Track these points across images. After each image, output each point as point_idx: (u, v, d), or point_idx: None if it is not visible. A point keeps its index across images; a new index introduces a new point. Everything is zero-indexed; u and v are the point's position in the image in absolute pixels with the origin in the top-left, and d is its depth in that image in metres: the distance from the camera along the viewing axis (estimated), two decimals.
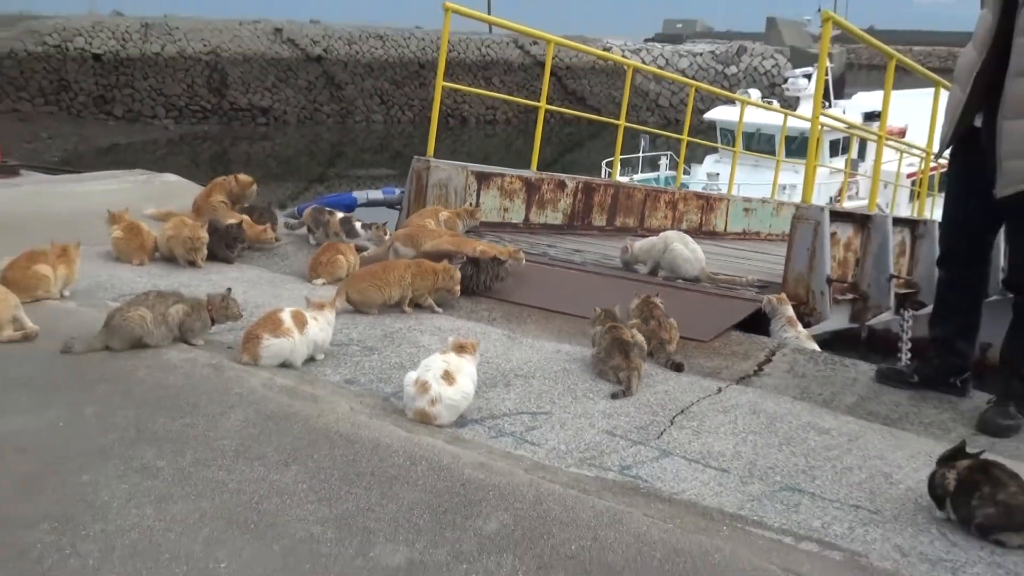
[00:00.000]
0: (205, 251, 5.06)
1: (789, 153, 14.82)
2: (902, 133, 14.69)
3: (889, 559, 2.43)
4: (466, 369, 3.15)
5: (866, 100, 21.51)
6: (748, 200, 10.49)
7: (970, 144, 3.48)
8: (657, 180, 17.89)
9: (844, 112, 19.28)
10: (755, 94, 22.26)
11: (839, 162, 17.14)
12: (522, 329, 4.30)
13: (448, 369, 3.09)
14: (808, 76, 22.85)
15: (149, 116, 31.19)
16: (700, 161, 19.29)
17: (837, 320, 5.28)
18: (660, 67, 35.34)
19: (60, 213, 6.01)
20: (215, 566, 2.18)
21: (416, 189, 6.43)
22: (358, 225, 5.66)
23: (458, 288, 4.51)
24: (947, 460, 2.69)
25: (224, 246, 5.18)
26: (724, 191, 11.58)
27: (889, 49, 6.31)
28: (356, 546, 2.29)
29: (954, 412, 3.56)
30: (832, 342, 5.22)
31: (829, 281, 4.90)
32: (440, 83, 6.61)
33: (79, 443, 2.76)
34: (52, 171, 8.65)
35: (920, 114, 8.87)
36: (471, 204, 6.38)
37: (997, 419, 3.37)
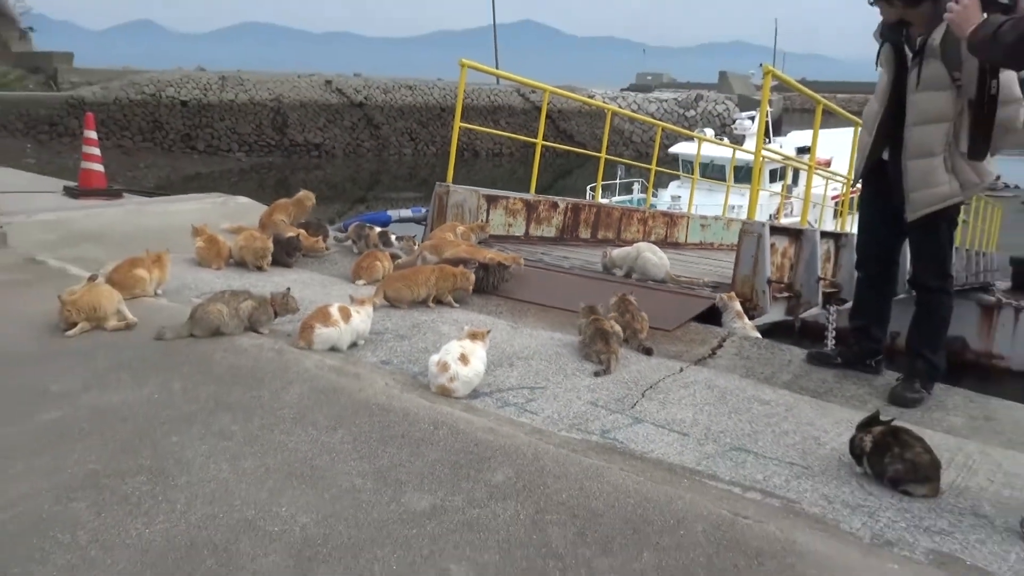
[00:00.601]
0: (270, 258, 5.07)
1: (737, 180, 14.80)
2: (828, 163, 14.63)
3: (817, 505, 2.43)
4: (478, 352, 3.16)
5: (799, 137, 21.45)
6: (704, 217, 10.47)
7: (878, 174, 3.51)
8: (631, 201, 17.86)
9: (781, 147, 19.24)
10: (710, 132, 22.25)
11: (777, 187, 17.12)
12: (523, 321, 4.30)
13: (464, 352, 3.10)
14: (752, 118, 22.79)
15: (225, 150, 31.19)
16: (665, 186, 19.22)
17: (775, 313, 5.27)
18: (634, 111, 35.29)
19: (154, 228, 6.02)
20: (277, 510, 2.18)
21: (438, 208, 6.43)
22: (393, 238, 5.69)
23: (471, 287, 4.51)
24: (864, 426, 2.69)
25: (284, 254, 5.18)
26: (685, 210, 11.55)
27: (817, 96, 6.30)
28: (390, 494, 2.29)
29: (870, 387, 3.55)
30: (771, 331, 5.21)
31: (769, 282, 4.89)
32: (457, 124, 6.62)
33: (169, 412, 2.77)
34: (148, 194, 8.64)
35: (842, 148, 8.85)
36: (482, 220, 6.38)
37: (905, 393, 3.37)
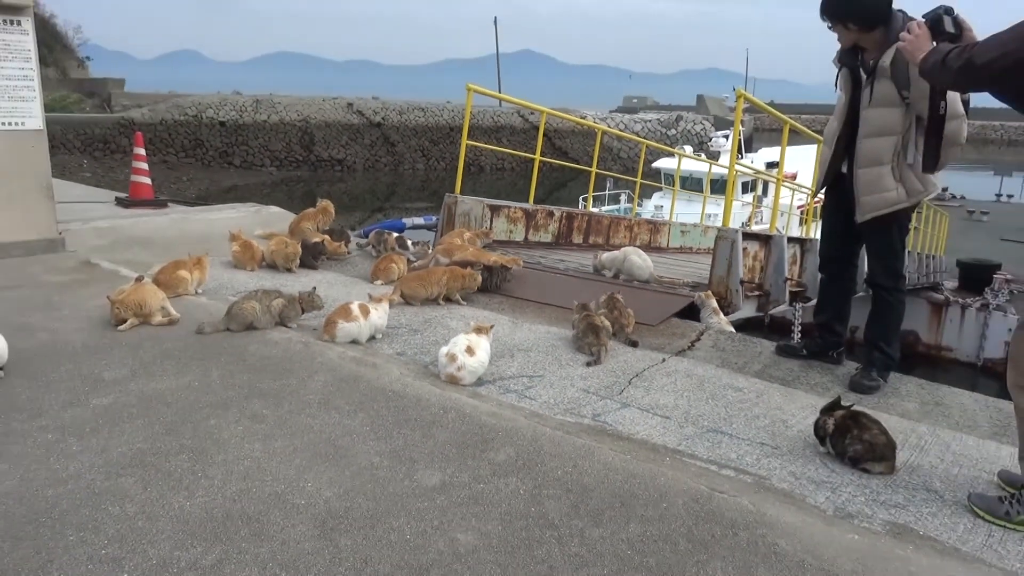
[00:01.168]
0: (298, 261, 5.06)
1: (713, 191, 14.75)
2: (794, 177, 14.60)
3: (786, 481, 2.42)
4: (483, 345, 3.15)
5: (768, 153, 21.43)
6: (684, 225, 10.45)
7: (838, 185, 3.50)
8: (619, 210, 17.82)
9: (752, 162, 19.22)
10: (689, 149, 22.20)
11: (749, 198, 17.07)
12: (523, 316, 4.29)
13: (470, 345, 3.09)
14: (726, 136, 22.77)
15: (259, 165, 31.17)
16: (649, 197, 19.19)
17: (747, 310, 5.26)
18: (621, 130, 35.22)
19: (195, 234, 6.02)
20: (304, 485, 2.17)
21: (447, 217, 6.42)
22: (409, 243, 5.70)
23: (477, 287, 4.51)
24: (827, 410, 2.67)
25: (311, 257, 5.17)
26: (667, 218, 11.53)
27: (785, 117, 6.28)
28: (404, 471, 2.28)
29: (832, 376, 3.54)
30: (744, 326, 5.20)
31: (742, 282, 4.88)
32: (464, 141, 6.60)
33: (207, 398, 2.76)
34: (190, 204, 8.63)
35: (807, 163, 8.84)
36: (486, 227, 6.36)
37: (863, 381, 3.35)
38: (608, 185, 19.54)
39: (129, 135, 25.31)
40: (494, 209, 6.70)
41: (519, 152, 10.22)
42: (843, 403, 2.68)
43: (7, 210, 4.80)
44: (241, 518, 1.99)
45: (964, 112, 3.02)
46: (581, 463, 2.38)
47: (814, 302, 4.24)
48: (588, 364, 3.44)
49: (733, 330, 4.39)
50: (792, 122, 6.35)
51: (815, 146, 7.07)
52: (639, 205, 15.73)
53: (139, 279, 3.77)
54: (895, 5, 3.14)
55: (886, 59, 3.10)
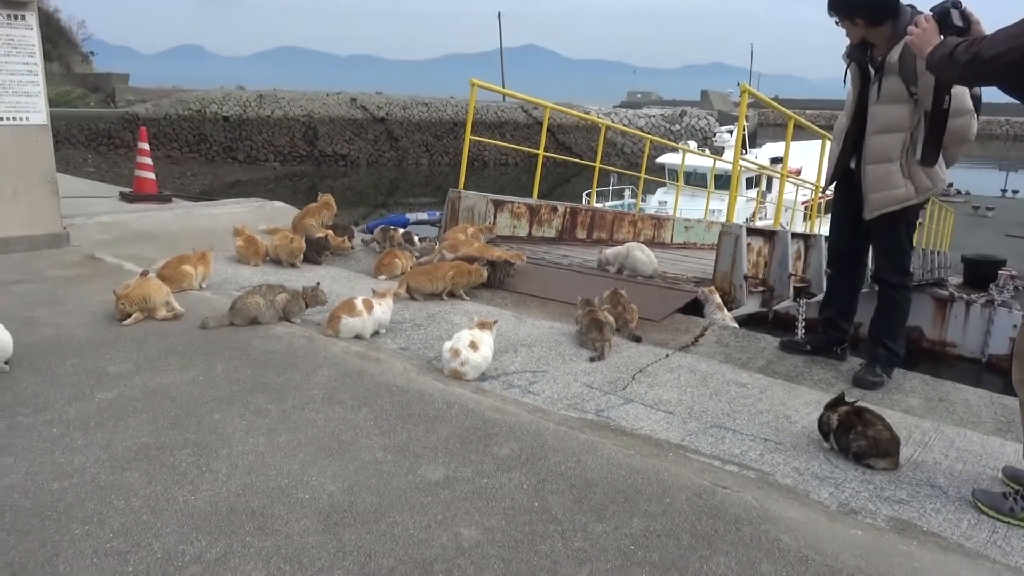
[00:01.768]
0: (302, 256, 5.06)
1: (717, 187, 14.68)
2: (798, 172, 14.55)
3: (789, 477, 2.42)
4: (486, 340, 3.14)
5: (772, 149, 21.32)
6: (688, 220, 10.43)
7: (847, 181, 3.47)
8: (622, 206, 17.77)
9: (756, 157, 19.08)
10: (693, 145, 22.14)
11: (753, 193, 17.03)
12: (526, 312, 4.29)
13: (473, 340, 3.08)
14: (731, 131, 22.70)
15: (262, 160, 31.18)
16: (653, 192, 19.16)
17: (751, 306, 5.25)
18: (625, 125, 35.14)
19: (199, 228, 6.02)
20: (307, 479, 2.18)
21: (451, 212, 6.41)
22: (416, 238, 5.71)
23: (482, 282, 4.51)
24: (831, 406, 2.67)
25: (315, 252, 5.17)
26: (670, 214, 11.51)
27: (789, 112, 6.25)
28: (408, 466, 2.29)
29: (836, 372, 3.53)
30: (748, 322, 5.19)
31: (746, 278, 4.87)
32: (468, 136, 6.59)
33: (212, 392, 2.76)
34: (194, 199, 8.64)
35: (811, 158, 8.79)
36: (490, 222, 6.36)
37: (867, 377, 3.34)
38: (612, 181, 19.51)
39: (133, 130, 25.32)
40: (498, 204, 6.69)
41: (523, 147, 10.19)
42: (847, 399, 2.68)
43: (12, 205, 4.81)
44: (245, 512, 2.00)
45: (974, 108, 3.00)
46: (584, 458, 2.38)
47: (818, 298, 4.23)
48: (592, 359, 3.44)
49: (737, 326, 4.38)
50: (797, 117, 6.32)
51: (820, 142, 7.05)
52: (643, 200, 15.68)
53: (143, 274, 3.78)
54: (903, 0, 3.12)
55: (894, 55, 3.08)
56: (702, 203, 12.80)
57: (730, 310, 4.66)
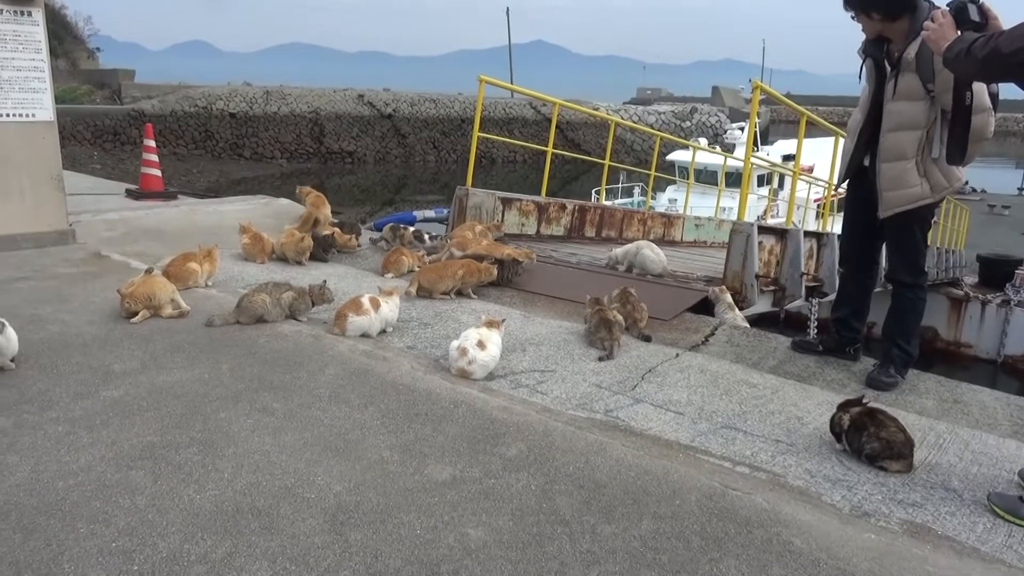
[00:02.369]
0: (309, 254, 5.08)
1: (728, 184, 14.65)
2: (810, 170, 14.48)
3: (801, 479, 2.40)
4: (494, 339, 3.14)
5: (784, 146, 21.26)
6: (698, 218, 10.40)
7: (861, 178, 3.45)
8: (632, 204, 17.75)
9: (768, 154, 19.03)
10: (703, 142, 22.06)
11: (764, 191, 16.97)
12: (534, 310, 4.28)
13: (481, 339, 3.08)
14: (742, 128, 22.62)
15: (269, 157, 31.33)
16: (663, 190, 19.11)
17: (763, 305, 5.23)
18: (634, 122, 35.07)
19: (206, 226, 6.05)
20: (314, 479, 2.18)
21: (458, 210, 6.42)
22: (426, 236, 5.74)
23: (492, 280, 4.51)
24: (843, 407, 2.66)
25: (321, 250, 5.19)
26: (681, 212, 11.48)
27: (801, 108, 6.21)
28: (415, 465, 2.29)
29: (849, 372, 3.51)
30: (759, 321, 5.17)
31: (757, 277, 4.85)
32: (476, 133, 6.59)
33: (217, 391, 2.77)
34: (200, 196, 8.68)
35: (824, 156, 8.74)
36: (498, 220, 6.36)
37: (881, 377, 3.33)
38: (621, 178, 19.47)
39: (139, 126, 25.48)
40: (506, 202, 6.69)
41: (531, 144, 10.17)
42: (860, 400, 2.66)
43: (18, 202, 4.85)
44: (251, 511, 2.00)
45: (992, 105, 2.97)
46: (593, 459, 2.37)
47: (830, 297, 4.20)
48: (600, 359, 3.43)
49: (748, 325, 4.37)
50: (809, 114, 6.28)
51: (832, 139, 7.00)
52: (653, 198, 15.66)
53: (149, 271, 3.79)
54: None
55: (911, 51, 3.05)
56: (713, 201, 12.77)
57: (741, 309, 4.64)
